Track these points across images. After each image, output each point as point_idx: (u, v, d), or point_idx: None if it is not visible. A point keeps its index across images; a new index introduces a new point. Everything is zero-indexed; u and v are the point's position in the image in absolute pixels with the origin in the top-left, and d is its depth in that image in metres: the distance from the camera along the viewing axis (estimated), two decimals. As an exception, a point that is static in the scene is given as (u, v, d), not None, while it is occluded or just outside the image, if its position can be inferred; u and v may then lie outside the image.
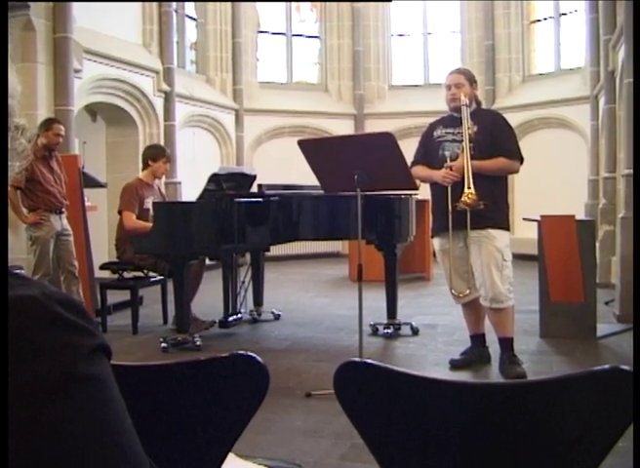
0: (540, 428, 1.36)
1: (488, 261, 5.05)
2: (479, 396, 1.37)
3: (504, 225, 5.19)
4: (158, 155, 7.12)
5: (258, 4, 14.61)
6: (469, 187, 4.80)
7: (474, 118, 5.11)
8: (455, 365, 5.43)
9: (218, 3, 13.60)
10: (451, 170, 4.99)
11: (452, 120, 5.28)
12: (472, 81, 5.33)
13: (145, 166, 7.13)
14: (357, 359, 1.41)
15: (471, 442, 1.39)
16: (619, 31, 8.50)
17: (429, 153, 5.31)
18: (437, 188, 5.20)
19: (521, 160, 5.19)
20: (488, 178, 5.00)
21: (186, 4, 13.09)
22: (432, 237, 5.46)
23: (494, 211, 5.01)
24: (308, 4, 15.38)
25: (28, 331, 0.70)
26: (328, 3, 15.12)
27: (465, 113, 5.07)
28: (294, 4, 15.19)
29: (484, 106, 5.85)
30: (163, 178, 10.87)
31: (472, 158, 4.94)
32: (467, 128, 4.99)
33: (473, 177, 4.85)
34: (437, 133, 5.32)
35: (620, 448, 1.39)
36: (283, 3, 15.01)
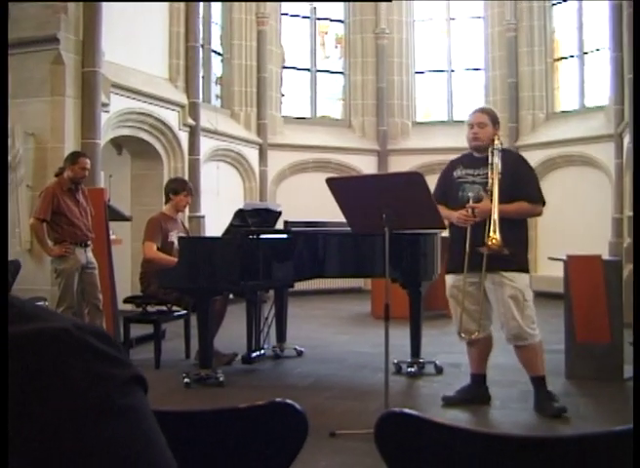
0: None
1: (508, 303, 5.02)
2: (527, 449, 1.34)
3: (523, 267, 5.15)
4: (179, 188, 7.18)
5: (283, 39, 14.75)
6: (495, 232, 4.77)
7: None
8: (448, 402, 5.39)
9: (243, 40, 13.74)
10: (473, 211, 4.97)
11: (472, 160, 5.28)
12: (495, 121, 5.30)
13: (167, 200, 7.21)
14: (397, 409, 1.39)
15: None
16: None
17: (448, 192, 5.29)
18: (456, 228, 5.17)
19: (543, 203, 5.17)
20: (508, 221, 4.95)
21: (212, 40, 13.24)
22: (446, 273, 5.42)
23: (514, 253, 4.95)
24: (333, 41, 15.48)
25: (63, 364, 0.69)
26: (352, 39, 15.22)
27: (497, 158, 5.04)
28: (319, 40, 15.31)
29: (507, 145, 5.84)
30: (186, 212, 11.00)
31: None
32: (498, 173, 4.97)
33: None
34: (457, 173, 5.30)
35: None
36: (308, 40, 15.14)
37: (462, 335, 5.26)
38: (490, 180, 5.00)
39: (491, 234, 4.78)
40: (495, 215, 4.82)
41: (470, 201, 5.02)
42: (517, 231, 5.11)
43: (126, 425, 0.70)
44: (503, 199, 4.95)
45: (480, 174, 5.11)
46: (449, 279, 5.37)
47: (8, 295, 0.76)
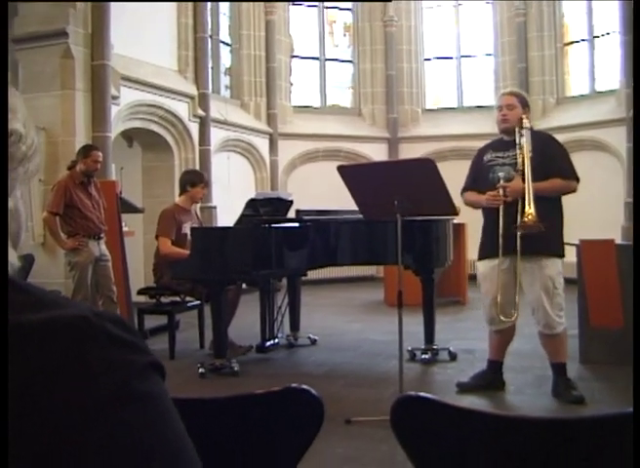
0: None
1: (539, 289, 5.01)
2: (547, 431, 1.33)
3: (558, 251, 5.11)
4: (197, 180, 7.12)
5: (292, 29, 14.74)
6: (530, 207, 4.70)
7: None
8: (463, 388, 5.40)
9: (252, 30, 13.73)
10: (504, 191, 4.95)
11: (501, 143, 5.26)
12: (525, 104, 5.28)
13: (183, 191, 7.13)
14: (412, 393, 1.40)
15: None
16: (655, 53, 8.44)
17: (479, 178, 5.28)
18: (489, 211, 5.14)
19: (577, 179, 5.12)
20: (543, 200, 4.87)
21: (221, 31, 13.23)
22: (479, 260, 5.39)
23: (549, 234, 4.86)
24: (342, 29, 15.45)
25: (82, 350, 0.70)
26: (360, 27, 15.18)
27: (526, 136, 5.00)
28: (327, 29, 15.28)
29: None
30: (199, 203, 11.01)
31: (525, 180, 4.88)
32: (529, 151, 4.93)
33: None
34: (487, 157, 5.29)
35: None
36: (316, 29, 15.13)
37: (503, 318, 5.16)
38: (520, 159, 4.96)
39: (526, 210, 4.72)
40: (529, 192, 4.76)
41: (501, 181, 5.00)
42: (551, 212, 5.02)
43: (143, 410, 0.71)
44: (536, 178, 4.89)
45: (510, 155, 5.09)
46: (481, 265, 5.34)
47: (25, 284, 0.76)
